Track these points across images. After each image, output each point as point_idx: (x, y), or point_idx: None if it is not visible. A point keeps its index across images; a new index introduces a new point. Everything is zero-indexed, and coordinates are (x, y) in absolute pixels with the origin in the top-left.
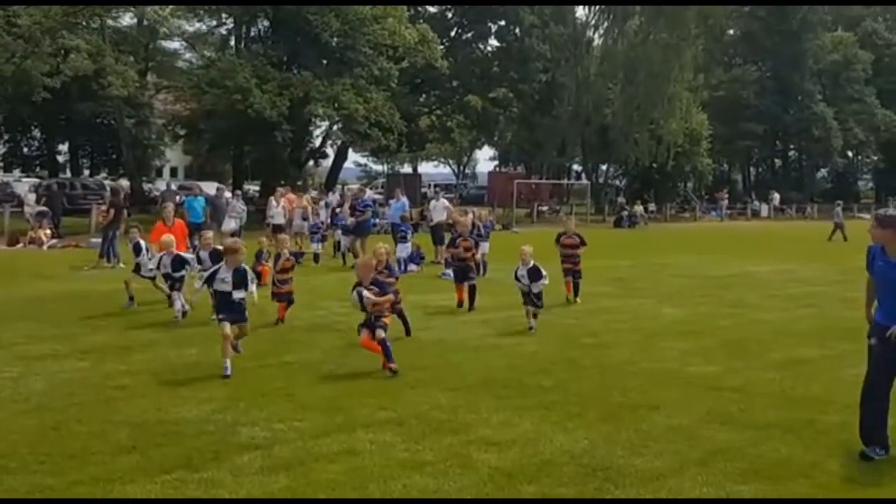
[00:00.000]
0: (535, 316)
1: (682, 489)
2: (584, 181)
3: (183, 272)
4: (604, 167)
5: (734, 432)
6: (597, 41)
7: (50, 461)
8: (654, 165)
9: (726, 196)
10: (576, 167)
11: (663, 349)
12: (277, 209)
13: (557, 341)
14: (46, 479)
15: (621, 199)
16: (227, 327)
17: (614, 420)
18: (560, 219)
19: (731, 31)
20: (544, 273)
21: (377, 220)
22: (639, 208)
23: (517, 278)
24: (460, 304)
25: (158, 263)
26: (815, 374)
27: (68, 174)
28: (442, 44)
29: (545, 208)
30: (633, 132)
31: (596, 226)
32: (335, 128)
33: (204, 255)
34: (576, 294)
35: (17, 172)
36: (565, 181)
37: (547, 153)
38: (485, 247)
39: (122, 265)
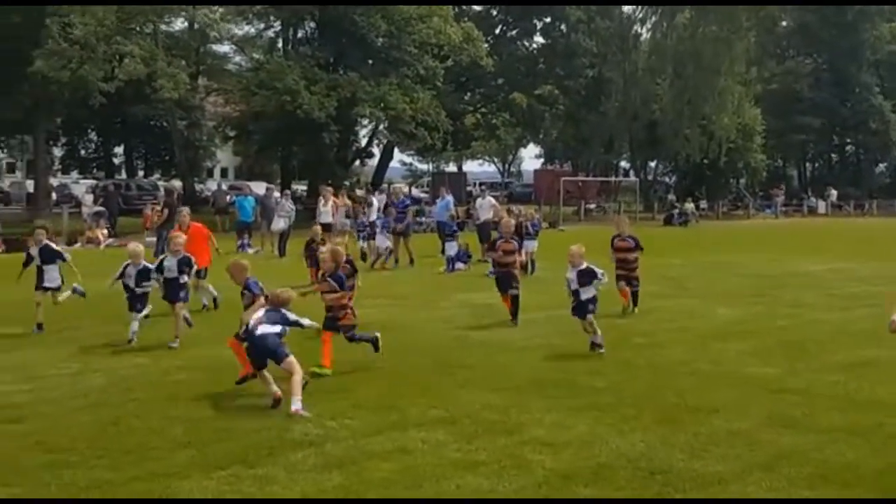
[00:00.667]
0: (593, 330)
1: (745, 494)
2: (633, 178)
3: (147, 288)
4: (652, 164)
5: (798, 436)
6: (644, 35)
7: (108, 456)
8: (706, 161)
9: (782, 192)
10: (623, 164)
11: (719, 350)
12: (325, 208)
13: (608, 341)
14: (105, 474)
15: (671, 197)
16: (266, 374)
17: (671, 423)
18: (609, 217)
19: (785, 23)
20: (600, 273)
21: (423, 219)
22: (690, 206)
23: (568, 283)
24: (513, 316)
25: (122, 273)
26: (879, 376)
27: (123, 175)
28: (487, 42)
29: (592, 206)
30: (684, 128)
31: (645, 224)
32: (381, 127)
33: (171, 262)
34: (634, 304)
35: (74, 174)
36: (613, 178)
37: (594, 150)
38: (533, 245)
39: None
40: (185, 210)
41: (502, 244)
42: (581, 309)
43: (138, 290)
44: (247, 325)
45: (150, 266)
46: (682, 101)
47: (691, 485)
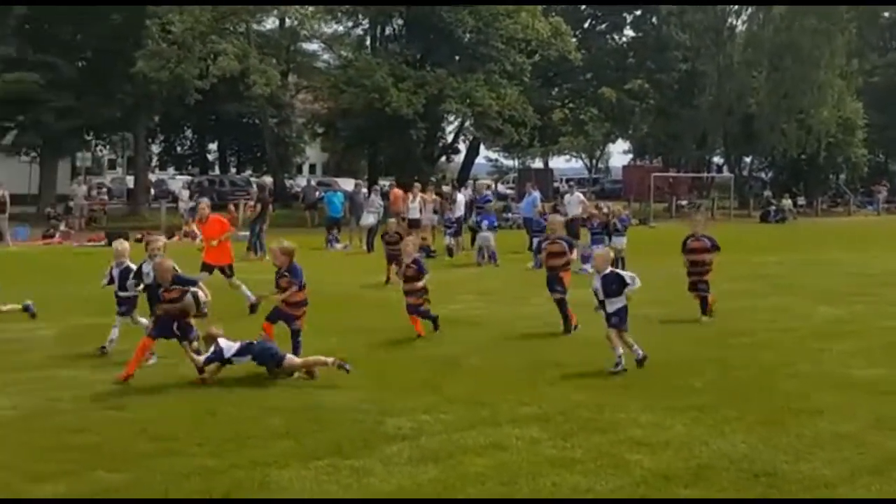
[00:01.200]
0: (623, 345)
1: (854, 498)
2: (727, 174)
3: (131, 292)
4: (747, 159)
5: None
6: (740, 27)
7: (209, 444)
8: (804, 157)
9: (885, 189)
10: (717, 159)
11: (821, 350)
12: (413, 204)
13: (703, 341)
14: (207, 461)
15: (767, 193)
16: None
17: (774, 424)
18: (702, 214)
19: (886, 14)
20: (629, 277)
21: (510, 215)
22: (787, 202)
23: (594, 293)
24: (563, 321)
25: (109, 277)
26: None
27: (217, 171)
28: (575, 36)
29: (684, 202)
30: (781, 122)
31: (740, 220)
32: (467, 124)
33: (147, 267)
34: (703, 310)
35: (171, 170)
36: (705, 174)
37: (686, 145)
38: (622, 242)
39: (267, 258)
40: (204, 202)
41: (548, 246)
42: (616, 320)
43: (121, 294)
44: (219, 351)
45: (133, 267)
46: (780, 94)
47: (797, 487)
